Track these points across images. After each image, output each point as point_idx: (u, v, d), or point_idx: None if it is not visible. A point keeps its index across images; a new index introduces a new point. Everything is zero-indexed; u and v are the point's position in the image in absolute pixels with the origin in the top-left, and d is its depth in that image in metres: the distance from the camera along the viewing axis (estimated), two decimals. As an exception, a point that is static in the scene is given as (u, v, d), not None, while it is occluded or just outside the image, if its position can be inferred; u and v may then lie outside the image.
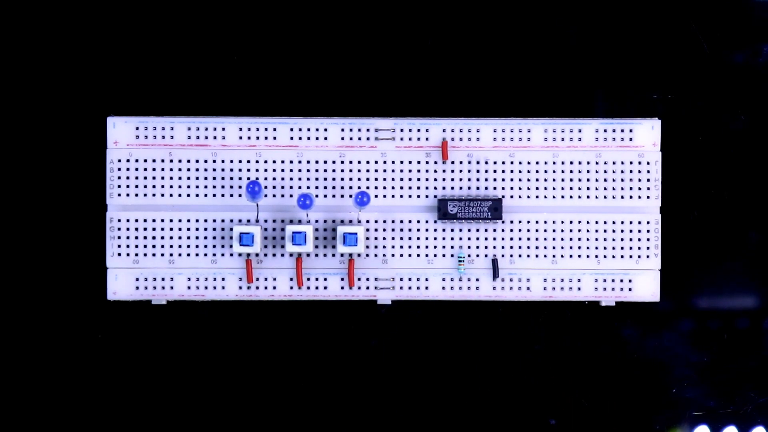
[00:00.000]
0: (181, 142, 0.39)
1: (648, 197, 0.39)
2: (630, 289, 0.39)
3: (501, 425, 0.40)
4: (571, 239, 0.39)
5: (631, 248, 0.39)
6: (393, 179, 0.39)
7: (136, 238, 0.39)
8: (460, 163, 0.39)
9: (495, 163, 0.39)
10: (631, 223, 0.39)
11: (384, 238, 0.39)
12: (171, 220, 0.39)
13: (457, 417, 0.40)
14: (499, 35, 0.40)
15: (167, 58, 0.40)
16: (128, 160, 0.39)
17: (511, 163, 0.39)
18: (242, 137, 0.39)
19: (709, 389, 0.41)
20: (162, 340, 0.40)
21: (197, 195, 0.39)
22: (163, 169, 0.39)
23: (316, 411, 0.40)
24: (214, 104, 0.40)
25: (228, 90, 0.40)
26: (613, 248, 0.39)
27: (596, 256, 0.39)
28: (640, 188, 0.39)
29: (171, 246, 0.39)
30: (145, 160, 0.39)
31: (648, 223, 0.39)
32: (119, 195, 0.39)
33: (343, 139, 0.39)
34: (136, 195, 0.39)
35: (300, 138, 0.39)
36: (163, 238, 0.39)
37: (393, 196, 0.39)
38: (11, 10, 0.40)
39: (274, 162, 0.39)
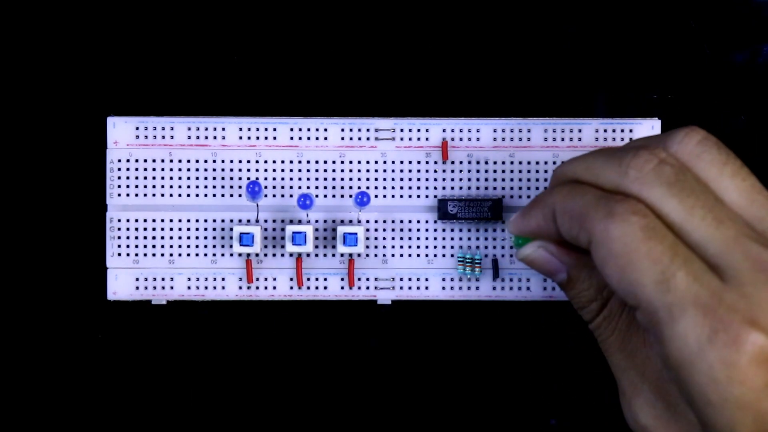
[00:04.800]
0: (181, 142, 0.39)
1: (648, 197, 0.39)
2: (630, 289, 0.39)
3: (501, 425, 0.40)
4: (571, 239, 0.39)
5: (631, 248, 0.39)
6: (393, 179, 0.39)
7: (136, 238, 0.39)
8: (460, 163, 0.39)
9: (495, 163, 0.39)
10: (631, 223, 0.39)
11: (384, 238, 0.39)
12: (171, 220, 0.39)
13: (457, 417, 0.40)
14: (499, 35, 0.40)
15: (167, 58, 0.40)
16: (128, 160, 0.39)
17: (511, 163, 0.39)
18: (242, 137, 0.39)
19: (709, 389, 0.41)
20: (162, 340, 0.40)
21: (197, 195, 0.39)
22: (163, 169, 0.39)
23: (316, 411, 0.40)
24: (214, 104, 0.40)
25: (228, 90, 0.40)
26: (613, 248, 0.39)
27: (596, 256, 0.39)
28: (640, 188, 0.39)
29: (171, 246, 0.39)
30: (145, 160, 0.39)
31: (648, 223, 0.39)
32: (119, 195, 0.39)
33: (343, 139, 0.39)
34: (136, 195, 0.39)
35: (300, 138, 0.39)
36: (163, 238, 0.39)
37: (393, 196, 0.39)
38: (11, 10, 0.40)
39: (274, 162, 0.39)
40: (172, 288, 0.39)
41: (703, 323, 0.26)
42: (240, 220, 0.39)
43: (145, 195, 0.39)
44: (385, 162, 0.39)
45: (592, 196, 0.29)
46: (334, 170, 0.39)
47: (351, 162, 0.39)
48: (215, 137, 0.39)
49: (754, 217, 0.28)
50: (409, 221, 0.39)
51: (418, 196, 0.39)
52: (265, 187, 0.39)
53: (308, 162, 0.39)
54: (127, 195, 0.39)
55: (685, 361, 0.26)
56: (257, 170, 0.39)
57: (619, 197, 0.29)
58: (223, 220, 0.39)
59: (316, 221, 0.39)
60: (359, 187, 0.39)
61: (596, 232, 0.28)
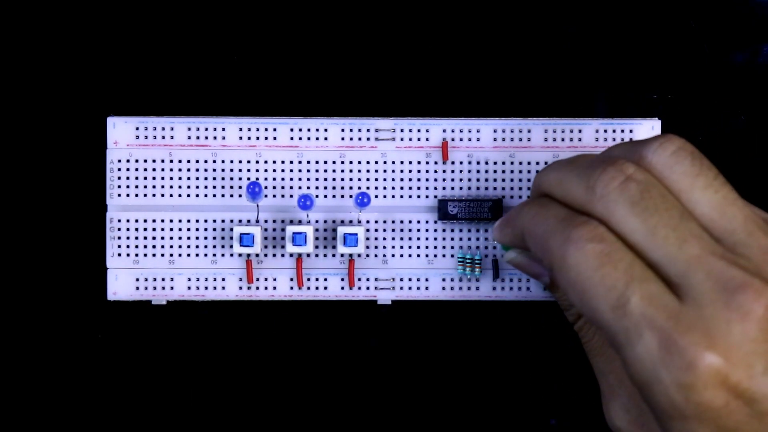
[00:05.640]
0: (181, 142, 0.39)
1: (648, 197, 0.39)
2: (630, 290, 0.39)
3: (501, 425, 0.40)
4: (571, 239, 0.39)
5: (631, 248, 0.39)
6: (393, 179, 0.39)
7: (136, 238, 0.39)
8: (460, 163, 0.39)
9: (495, 163, 0.39)
10: (631, 223, 0.39)
11: (384, 239, 0.39)
12: (171, 220, 0.39)
13: (457, 417, 0.40)
14: (499, 35, 0.40)
15: (167, 58, 0.40)
16: (128, 160, 0.39)
17: (511, 163, 0.39)
18: (242, 137, 0.39)
19: (709, 389, 0.41)
20: (162, 340, 0.40)
21: (197, 195, 0.39)
22: (163, 169, 0.39)
23: (316, 411, 0.40)
24: (214, 104, 0.40)
25: (228, 90, 0.40)
26: (613, 248, 0.39)
27: (596, 257, 0.39)
28: (640, 188, 0.39)
29: (171, 246, 0.39)
30: (145, 160, 0.39)
31: (648, 223, 0.39)
32: (119, 195, 0.39)
33: (343, 139, 0.39)
34: (136, 195, 0.39)
35: (300, 138, 0.39)
36: (163, 238, 0.39)
37: (393, 197, 0.39)
38: (11, 10, 0.40)
39: (274, 162, 0.39)
40: (172, 288, 0.39)
41: (658, 346, 0.26)
42: (240, 221, 0.39)
43: (145, 195, 0.39)
44: (385, 162, 0.39)
45: (554, 220, 0.29)
46: (334, 170, 0.39)
47: (351, 162, 0.39)
48: (215, 137, 0.39)
49: (724, 231, 0.28)
50: (410, 221, 0.39)
51: (418, 197, 0.39)
52: (265, 188, 0.39)
53: (308, 162, 0.39)
54: (127, 195, 0.39)
55: (645, 382, 0.27)
56: (257, 170, 0.39)
57: (578, 221, 0.29)
58: (223, 221, 0.39)
59: (317, 222, 0.39)
60: (359, 188, 0.39)
61: (555, 260, 0.29)
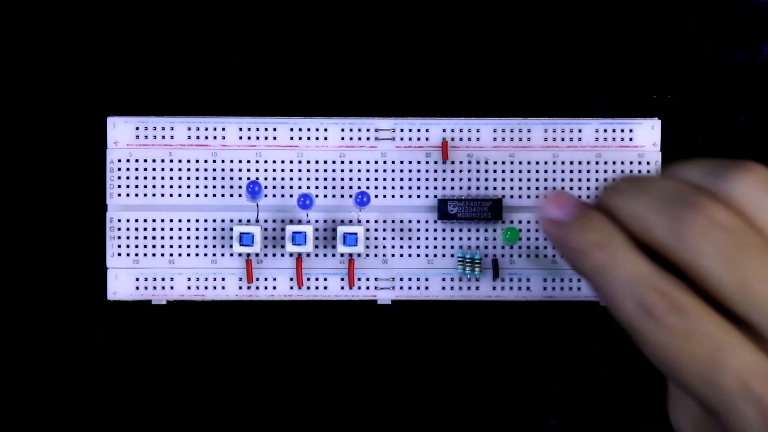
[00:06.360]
0: (181, 142, 0.39)
1: (648, 197, 0.39)
2: (630, 289, 0.39)
3: (501, 425, 0.40)
4: (571, 239, 0.39)
5: (631, 248, 0.39)
6: (393, 179, 0.39)
7: (136, 238, 0.39)
8: (460, 163, 0.39)
9: (495, 163, 0.39)
10: (631, 223, 0.39)
11: (384, 238, 0.39)
12: (171, 220, 0.39)
13: (457, 417, 0.40)
14: (499, 35, 0.40)
15: (167, 58, 0.40)
16: (128, 160, 0.39)
17: (511, 163, 0.39)
18: (242, 137, 0.39)
19: (709, 389, 0.41)
20: (162, 340, 0.40)
21: (197, 195, 0.39)
22: (163, 169, 0.39)
23: (316, 411, 0.40)
24: (214, 104, 0.40)
25: (228, 90, 0.40)
26: (613, 248, 0.39)
27: (596, 256, 0.39)
28: (640, 188, 0.39)
29: (171, 246, 0.39)
30: (145, 160, 0.39)
31: (648, 223, 0.39)
32: (119, 195, 0.39)
33: (343, 139, 0.39)
34: (136, 195, 0.39)
35: (300, 138, 0.39)
36: (163, 238, 0.39)
37: (393, 196, 0.39)
38: (11, 10, 0.40)
39: (274, 162, 0.39)
40: (172, 288, 0.39)
41: (759, 419, 0.25)
42: (240, 220, 0.39)
43: (145, 195, 0.39)
44: (385, 162, 0.39)
45: (618, 284, 0.28)
46: (334, 170, 0.39)
47: (351, 162, 0.39)
48: (215, 137, 0.39)
49: None
50: (409, 221, 0.39)
51: (418, 196, 0.39)
52: (265, 187, 0.39)
53: (308, 162, 0.39)
54: (127, 195, 0.39)
55: None
56: (257, 170, 0.39)
57: (655, 289, 0.27)
58: (223, 220, 0.39)
59: (316, 221, 0.39)
60: (359, 187, 0.39)
61: (631, 333, 0.27)
